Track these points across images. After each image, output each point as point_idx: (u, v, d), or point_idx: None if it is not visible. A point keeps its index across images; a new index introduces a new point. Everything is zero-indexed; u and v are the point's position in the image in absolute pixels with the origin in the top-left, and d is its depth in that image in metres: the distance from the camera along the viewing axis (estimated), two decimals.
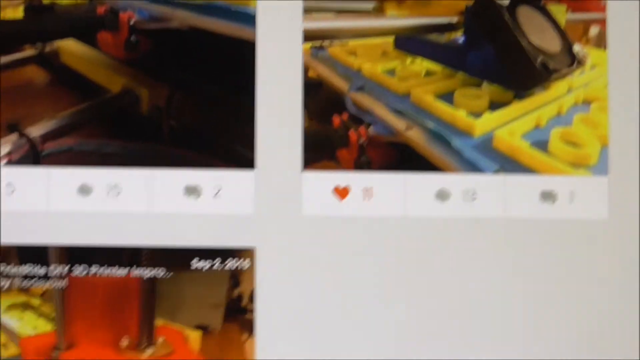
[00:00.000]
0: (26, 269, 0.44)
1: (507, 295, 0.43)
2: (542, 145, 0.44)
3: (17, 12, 0.45)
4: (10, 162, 0.44)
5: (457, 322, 0.43)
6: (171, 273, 0.44)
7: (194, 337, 0.44)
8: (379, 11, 0.45)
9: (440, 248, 0.43)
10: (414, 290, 0.43)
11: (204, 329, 0.44)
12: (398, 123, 0.44)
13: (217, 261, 0.44)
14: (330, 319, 0.43)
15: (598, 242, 0.43)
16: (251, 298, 0.44)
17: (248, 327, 0.44)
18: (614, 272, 0.43)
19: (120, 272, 0.44)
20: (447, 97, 0.45)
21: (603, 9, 0.44)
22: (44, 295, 0.44)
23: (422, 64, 0.47)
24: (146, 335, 0.44)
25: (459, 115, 0.44)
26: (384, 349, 0.43)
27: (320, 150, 0.44)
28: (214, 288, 0.44)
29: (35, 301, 0.44)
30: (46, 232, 0.44)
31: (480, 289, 0.43)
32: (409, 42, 0.46)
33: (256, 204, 0.44)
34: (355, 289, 0.43)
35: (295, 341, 0.43)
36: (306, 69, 0.44)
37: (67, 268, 0.43)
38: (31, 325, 0.44)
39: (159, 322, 0.44)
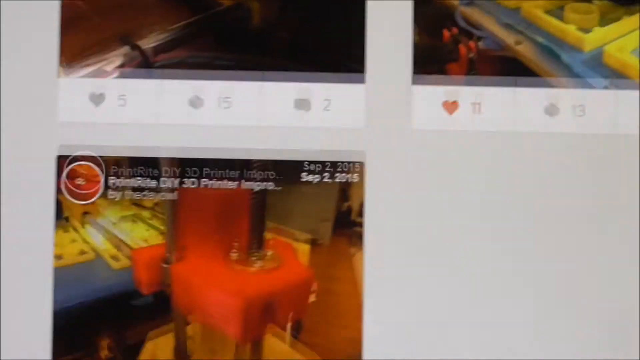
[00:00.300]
0: (137, 181, 0.44)
1: (617, 210, 0.44)
2: None
3: None
4: (122, 74, 0.44)
5: (569, 236, 0.44)
6: (280, 186, 0.44)
7: (303, 250, 0.45)
8: None
9: (548, 163, 0.44)
10: (522, 204, 0.44)
11: (312, 242, 0.45)
12: (508, 37, 0.45)
13: (327, 174, 0.44)
14: (439, 232, 0.44)
15: None
16: (360, 212, 0.44)
17: (357, 241, 0.44)
18: None
19: (230, 184, 0.44)
20: (557, 12, 0.45)
21: None
22: (154, 207, 0.45)
23: None
24: (255, 247, 0.44)
25: (568, 30, 0.45)
26: (490, 259, 0.44)
27: (430, 64, 0.44)
28: (322, 201, 0.45)
29: (146, 213, 0.45)
30: (157, 144, 0.44)
31: (586, 205, 0.44)
32: None
33: (366, 118, 0.44)
34: (463, 203, 0.44)
35: (404, 255, 0.44)
36: None
37: (177, 180, 0.44)
38: (142, 237, 0.45)
39: (268, 235, 0.45)
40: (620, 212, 0.44)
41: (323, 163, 0.44)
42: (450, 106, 0.44)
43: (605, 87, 0.44)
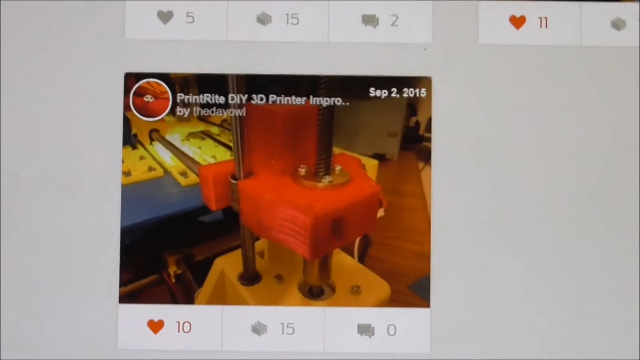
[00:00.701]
0: (206, 97, 0.45)
1: None
2: None
3: None
4: None
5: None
6: (348, 101, 0.44)
7: (371, 165, 0.45)
8: None
9: (616, 78, 0.44)
10: (586, 122, 0.44)
11: (380, 157, 0.45)
12: None
13: (394, 89, 0.44)
14: (507, 147, 0.44)
15: None
16: (428, 127, 0.44)
17: (424, 155, 0.45)
18: None
19: (298, 100, 0.44)
20: None
21: None
22: (223, 123, 0.45)
23: None
24: (324, 163, 0.44)
25: None
26: (554, 178, 0.44)
27: None
28: (390, 116, 0.45)
29: (215, 130, 0.45)
30: (225, 61, 0.45)
31: None
32: None
33: (433, 33, 0.45)
34: (531, 118, 0.44)
35: (471, 169, 0.44)
36: None
37: (245, 96, 0.44)
38: (210, 153, 0.45)
39: (336, 150, 0.45)
40: None
41: (391, 78, 0.45)
42: (517, 21, 0.45)
43: None
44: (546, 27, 0.45)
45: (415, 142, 0.45)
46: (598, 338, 0.44)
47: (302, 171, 0.45)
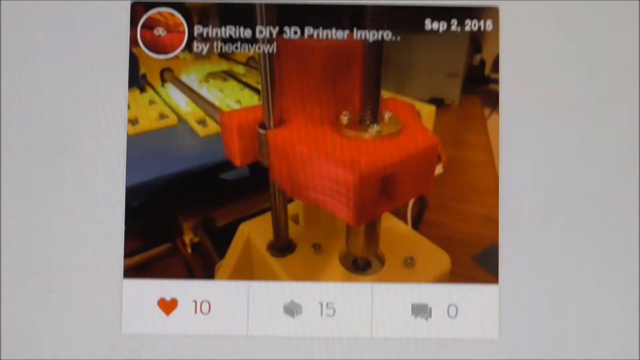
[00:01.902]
0: (228, 30, 0.39)
1: None
2: None
3: None
4: None
5: None
6: (400, 35, 0.39)
7: (428, 111, 0.40)
8: None
9: None
10: None
11: (438, 102, 0.40)
12: None
13: (455, 21, 0.39)
14: (586, 92, 0.39)
15: None
16: (495, 66, 0.39)
17: (491, 100, 0.39)
18: None
19: (339, 34, 0.39)
20: None
21: None
22: (249, 61, 0.40)
23: None
24: (370, 109, 0.39)
25: None
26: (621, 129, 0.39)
27: None
28: (450, 53, 0.40)
29: (239, 69, 0.40)
30: None
31: None
32: None
33: None
34: (614, 51, 0.39)
35: (547, 116, 0.38)
36: None
37: (276, 29, 0.39)
38: (234, 97, 0.40)
39: (385, 94, 0.40)
40: None
41: (450, 8, 0.40)
42: None
43: None
44: None
45: (481, 83, 0.40)
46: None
47: (345, 119, 0.39)
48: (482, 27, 0.39)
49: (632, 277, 0.38)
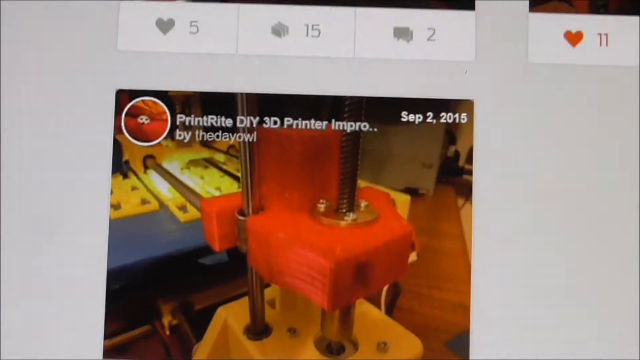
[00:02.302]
0: (210, 119, 0.42)
1: None
2: None
3: None
4: None
5: None
6: (377, 126, 0.42)
7: (403, 201, 0.42)
8: None
9: None
10: None
11: (413, 192, 0.43)
12: None
13: (430, 114, 0.42)
14: (557, 180, 0.41)
15: None
16: (469, 157, 0.42)
17: (465, 191, 0.42)
18: None
19: (318, 124, 0.42)
20: None
21: None
22: (229, 150, 0.42)
23: None
24: (347, 198, 0.41)
25: None
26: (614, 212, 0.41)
27: None
28: (425, 145, 0.43)
29: (220, 157, 0.42)
30: (234, 78, 0.42)
31: None
32: None
33: (476, 50, 0.42)
34: (587, 147, 0.42)
35: (518, 207, 0.41)
36: None
37: (257, 119, 0.42)
38: (214, 184, 0.43)
39: (362, 183, 0.42)
40: None
41: (426, 101, 0.42)
42: (574, 37, 0.42)
43: None
44: (607, 45, 0.42)
45: (454, 174, 0.43)
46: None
47: (322, 207, 0.42)
48: (457, 120, 0.42)
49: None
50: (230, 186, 0.42)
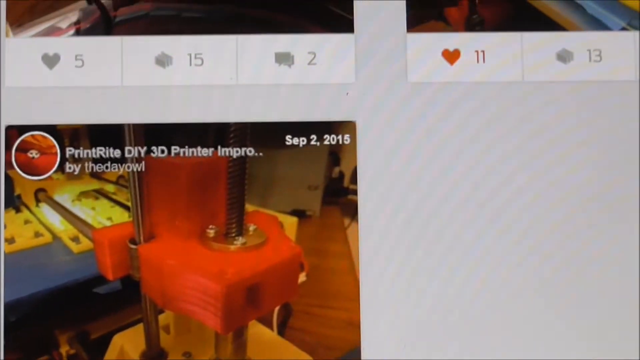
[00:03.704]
0: (99, 150, 0.49)
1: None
2: None
3: None
4: (78, 32, 0.50)
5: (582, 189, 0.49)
6: (262, 151, 0.49)
7: (290, 223, 0.49)
8: None
9: (561, 114, 0.49)
10: (535, 159, 0.49)
11: (300, 214, 0.49)
12: None
13: (314, 136, 0.49)
14: (441, 199, 0.49)
15: None
16: (353, 178, 0.49)
17: (350, 211, 0.49)
18: None
19: (204, 151, 0.49)
20: None
21: None
22: (119, 180, 0.49)
23: None
24: (236, 223, 0.49)
25: None
26: (496, 230, 0.49)
27: (426, 8, 0.50)
28: (310, 167, 0.50)
29: (110, 187, 0.50)
30: (120, 110, 0.49)
31: (599, 160, 0.49)
32: None
33: (357, 71, 0.50)
34: (468, 162, 0.49)
35: (403, 225, 0.48)
36: None
37: (144, 149, 0.49)
38: (105, 214, 0.50)
39: (249, 207, 0.49)
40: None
41: (310, 124, 0.49)
42: (451, 55, 0.50)
43: (624, 28, 0.50)
44: (484, 61, 0.49)
45: (340, 195, 0.50)
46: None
47: (211, 232, 0.49)
48: (340, 141, 0.50)
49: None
50: (121, 216, 0.49)
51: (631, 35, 0.49)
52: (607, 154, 0.48)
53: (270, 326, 0.49)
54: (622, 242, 0.49)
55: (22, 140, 0.48)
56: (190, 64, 0.48)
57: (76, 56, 0.48)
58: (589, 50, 0.49)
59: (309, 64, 0.49)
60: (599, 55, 0.49)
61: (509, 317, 0.47)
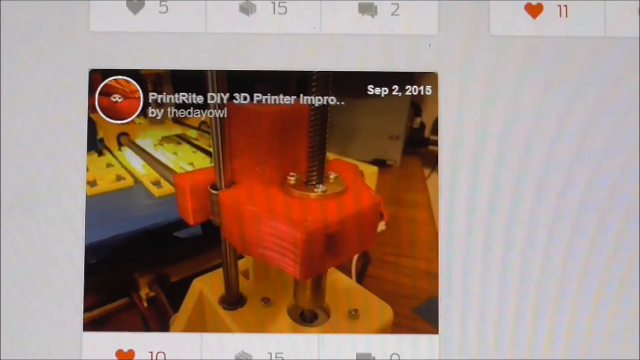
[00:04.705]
0: (181, 96, 0.50)
1: None
2: None
3: None
4: None
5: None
6: (344, 100, 0.50)
7: (371, 172, 0.51)
8: None
9: None
10: (606, 121, 0.50)
11: (381, 163, 0.51)
12: None
13: (396, 87, 0.50)
14: (522, 151, 0.50)
15: None
16: (434, 128, 0.50)
17: (431, 161, 0.50)
18: None
19: (286, 99, 0.50)
20: None
21: None
22: (201, 126, 0.51)
23: None
24: (317, 170, 0.49)
25: None
26: (573, 185, 0.50)
27: None
28: (392, 117, 0.51)
29: (192, 133, 0.51)
30: (204, 56, 0.50)
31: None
32: None
33: (439, 23, 0.51)
34: (547, 118, 0.50)
35: (483, 175, 0.50)
36: None
37: (227, 95, 0.50)
38: (187, 160, 0.51)
39: (330, 155, 0.50)
40: None
41: (392, 74, 0.50)
42: (534, 8, 0.51)
43: None
44: (566, 16, 0.51)
45: (420, 145, 0.51)
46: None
47: (292, 180, 0.50)
48: (422, 92, 0.51)
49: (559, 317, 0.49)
50: (202, 161, 0.51)
51: None
52: None
53: (349, 274, 0.50)
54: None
55: (106, 84, 0.49)
56: (274, 12, 0.50)
57: (160, 2, 0.50)
58: None
59: (392, 14, 0.50)
60: None
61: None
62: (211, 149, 0.50)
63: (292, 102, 0.49)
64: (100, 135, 0.49)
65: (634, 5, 0.50)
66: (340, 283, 0.50)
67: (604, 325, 0.49)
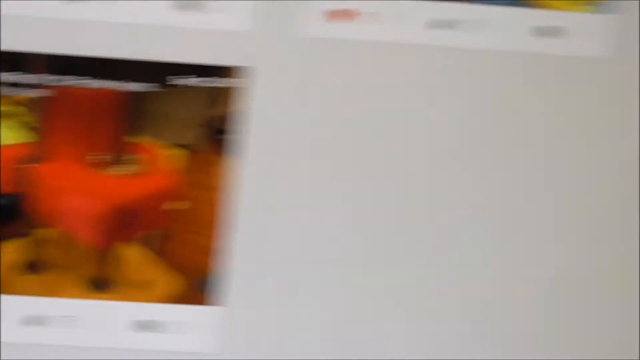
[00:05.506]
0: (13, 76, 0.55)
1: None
2: None
3: None
4: None
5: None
6: (150, 88, 0.55)
7: (172, 155, 0.55)
8: None
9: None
10: (415, 120, 0.55)
11: (181, 147, 0.56)
12: None
13: (201, 78, 0.55)
14: (320, 143, 0.55)
15: None
16: (238, 119, 0.55)
17: (229, 148, 0.55)
18: None
19: (96, 84, 0.55)
20: None
21: None
22: (19, 104, 0.56)
23: None
24: (118, 151, 0.55)
25: None
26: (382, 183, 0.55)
27: None
28: (194, 106, 0.55)
29: (20, 109, 0.55)
30: (23, 39, 0.54)
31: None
32: None
33: (254, 20, 0.55)
34: (354, 114, 0.55)
35: (286, 165, 0.55)
36: None
37: (45, 77, 0.54)
38: (12, 135, 0.56)
39: (133, 139, 0.55)
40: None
41: (199, 66, 0.55)
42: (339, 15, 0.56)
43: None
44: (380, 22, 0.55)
45: (220, 134, 0.55)
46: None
47: (95, 158, 0.55)
48: (225, 84, 0.56)
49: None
50: (27, 136, 0.55)
51: None
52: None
53: (145, 246, 0.55)
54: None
55: None
56: None
57: None
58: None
59: (209, 10, 0.54)
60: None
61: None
62: (26, 127, 0.54)
63: (102, 87, 0.54)
64: None
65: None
66: (135, 255, 0.54)
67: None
